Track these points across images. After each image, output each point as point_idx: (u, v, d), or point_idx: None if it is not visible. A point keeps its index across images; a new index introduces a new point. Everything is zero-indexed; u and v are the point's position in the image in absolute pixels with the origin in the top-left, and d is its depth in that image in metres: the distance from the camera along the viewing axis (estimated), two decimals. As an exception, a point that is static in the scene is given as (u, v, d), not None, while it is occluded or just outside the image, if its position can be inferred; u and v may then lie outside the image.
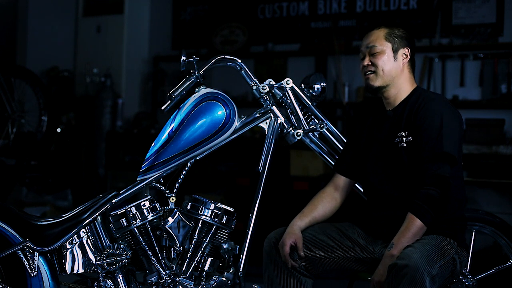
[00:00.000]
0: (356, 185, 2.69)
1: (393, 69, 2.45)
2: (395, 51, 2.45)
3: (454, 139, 2.33)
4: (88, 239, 2.55)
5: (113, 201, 2.58)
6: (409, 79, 2.49)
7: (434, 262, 2.18)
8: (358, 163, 2.56)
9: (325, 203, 2.57)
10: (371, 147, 2.51)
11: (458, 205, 2.42)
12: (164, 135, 2.59)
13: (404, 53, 2.47)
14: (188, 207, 2.57)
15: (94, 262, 2.52)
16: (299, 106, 2.65)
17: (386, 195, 2.43)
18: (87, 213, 2.55)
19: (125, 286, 2.51)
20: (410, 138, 2.38)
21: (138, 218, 2.53)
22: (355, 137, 2.60)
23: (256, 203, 2.58)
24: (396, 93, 2.47)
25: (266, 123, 2.66)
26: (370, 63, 2.46)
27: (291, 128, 2.64)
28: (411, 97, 2.46)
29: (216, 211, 2.56)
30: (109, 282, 2.50)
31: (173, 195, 2.60)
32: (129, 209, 2.53)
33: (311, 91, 2.67)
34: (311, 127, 2.64)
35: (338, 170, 2.61)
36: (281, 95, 2.68)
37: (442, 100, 2.42)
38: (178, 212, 2.53)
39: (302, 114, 2.65)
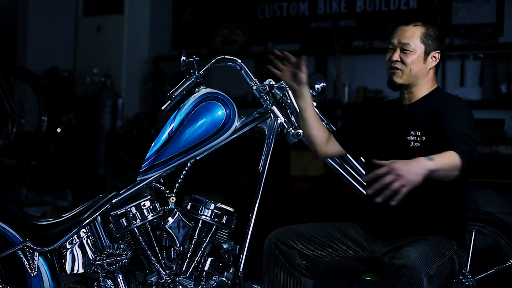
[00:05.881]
0: (357, 185, 2.69)
1: (420, 71, 2.40)
2: (426, 53, 2.40)
3: (474, 136, 2.25)
4: (88, 239, 2.55)
5: (113, 201, 2.58)
6: (431, 80, 2.45)
7: (432, 262, 2.17)
8: (357, 140, 2.55)
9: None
10: (382, 140, 2.47)
11: (460, 206, 2.42)
12: (164, 135, 2.59)
13: (434, 56, 2.42)
14: (188, 207, 2.57)
15: (94, 262, 2.51)
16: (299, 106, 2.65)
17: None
18: (87, 213, 2.55)
19: (125, 286, 2.51)
20: (424, 138, 2.34)
21: (138, 218, 2.53)
22: (364, 119, 2.56)
23: (256, 203, 2.58)
24: (416, 91, 2.44)
25: (266, 123, 2.66)
26: (399, 59, 2.40)
27: (291, 128, 2.64)
28: (431, 96, 2.42)
29: (216, 211, 2.56)
30: (109, 282, 2.50)
31: (173, 195, 2.60)
32: (129, 209, 2.53)
33: (311, 91, 2.67)
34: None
35: (338, 137, 2.58)
36: (281, 95, 2.68)
37: (466, 103, 2.42)
38: (178, 212, 2.53)
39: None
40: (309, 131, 2.54)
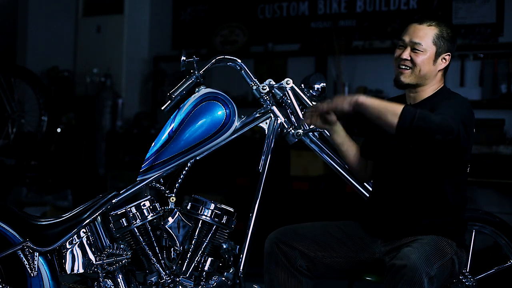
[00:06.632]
0: (357, 185, 2.69)
1: (428, 72, 2.38)
2: (437, 55, 2.38)
3: (468, 128, 2.23)
4: (88, 239, 2.55)
5: (113, 201, 2.58)
6: (438, 81, 2.44)
7: (432, 262, 2.17)
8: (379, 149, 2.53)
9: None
10: (383, 141, 2.46)
11: (459, 206, 2.42)
12: (164, 135, 2.59)
13: (444, 58, 2.40)
14: (188, 207, 2.57)
15: (94, 262, 2.51)
16: (299, 106, 2.65)
17: (394, 192, 2.41)
18: (87, 213, 2.55)
19: (125, 286, 2.51)
20: None
21: (138, 218, 2.53)
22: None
23: (256, 203, 2.58)
24: (422, 91, 2.42)
25: (266, 123, 2.66)
26: (409, 58, 2.37)
27: (291, 128, 2.63)
28: (435, 97, 2.41)
29: (216, 211, 2.56)
30: (109, 282, 2.50)
31: (173, 195, 2.60)
32: (129, 209, 2.53)
33: (311, 91, 2.67)
34: (311, 127, 2.64)
35: (363, 154, 2.57)
36: (281, 95, 2.68)
37: (466, 100, 2.41)
38: (178, 212, 2.53)
39: (302, 114, 2.65)
40: (350, 163, 2.57)
